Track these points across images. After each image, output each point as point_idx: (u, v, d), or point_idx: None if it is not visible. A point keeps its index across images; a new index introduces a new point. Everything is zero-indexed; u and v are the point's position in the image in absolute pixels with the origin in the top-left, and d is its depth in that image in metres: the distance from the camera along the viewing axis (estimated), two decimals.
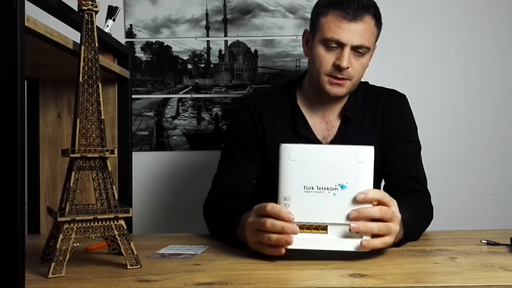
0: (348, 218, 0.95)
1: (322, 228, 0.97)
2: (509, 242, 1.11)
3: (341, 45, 1.26)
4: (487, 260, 0.98)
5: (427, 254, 1.06)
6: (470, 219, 1.96)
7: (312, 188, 0.96)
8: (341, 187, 0.95)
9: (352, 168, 0.96)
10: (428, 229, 1.29)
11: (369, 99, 1.41)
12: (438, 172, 1.94)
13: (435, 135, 1.98)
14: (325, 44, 1.28)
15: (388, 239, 0.98)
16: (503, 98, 2.00)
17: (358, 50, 1.27)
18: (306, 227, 0.98)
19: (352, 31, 1.25)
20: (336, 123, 1.39)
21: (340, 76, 1.28)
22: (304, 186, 0.96)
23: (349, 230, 0.94)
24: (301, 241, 0.97)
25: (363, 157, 0.96)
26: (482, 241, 1.14)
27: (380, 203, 0.97)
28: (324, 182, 0.96)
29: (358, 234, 0.96)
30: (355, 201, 0.95)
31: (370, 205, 0.96)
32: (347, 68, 1.27)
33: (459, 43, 1.99)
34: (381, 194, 0.98)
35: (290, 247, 0.96)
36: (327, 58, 1.28)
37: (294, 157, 0.96)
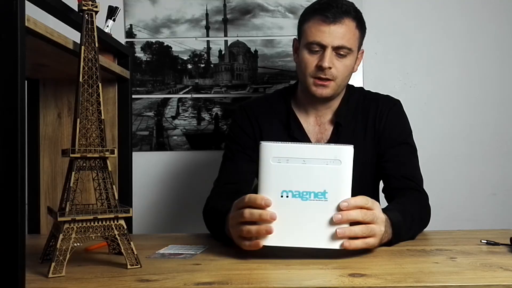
0: (331, 223, 0.97)
1: None
2: (508, 242, 1.11)
3: (323, 47, 1.32)
4: (487, 260, 0.98)
5: (427, 254, 1.06)
6: (470, 219, 1.96)
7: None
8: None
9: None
10: (428, 229, 1.29)
11: (363, 105, 1.44)
12: (438, 172, 1.94)
13: (435, 135, 1.98)
14: (309, 48, 1.34)
15: (372, 241, 1.02)
16: (503, 98, 2.00)
17: (340, 51, 1.33)
18: None
19: (332, 33, 1.31)
20: (329, 127, 1.43)
21: (323, 76, 1.33)
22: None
23: (336, 235, 0.96)
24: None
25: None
26: (482, 241, 1.14)
27: (363, 208, 1.00)
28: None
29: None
30: (337, 207, 0.97)
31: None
32: (330, 68, 1.32)
33: (459, 43, 1.99)
34: (363, 200, 1.00)
35: (272, 244, 0.97)
36: (311, 61, 1.34)
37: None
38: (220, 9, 1.99)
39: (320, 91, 1.35)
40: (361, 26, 1.37)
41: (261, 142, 0.98)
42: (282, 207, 0.97)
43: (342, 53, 1.33)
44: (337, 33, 1.31)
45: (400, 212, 1.12)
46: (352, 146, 0.97)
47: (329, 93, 1.36)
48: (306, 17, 1.37)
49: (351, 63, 1.36)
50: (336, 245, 0.98)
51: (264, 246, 0.98)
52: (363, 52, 1.44)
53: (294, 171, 0.96)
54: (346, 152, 0.96)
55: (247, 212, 0.99)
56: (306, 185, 0.96)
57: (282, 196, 0.97)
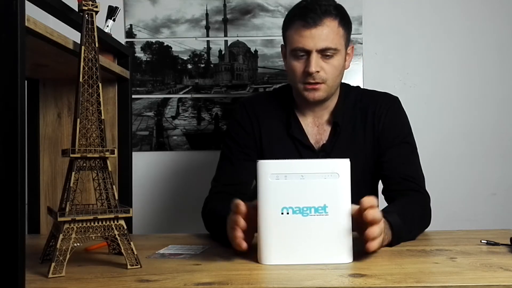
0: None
1: None
2: (509, 242, 1.11)
3: (307, 52, 1.31)
4: (487, 260, 0.98)
5: (427, 254, 1.06)
6: (470, 219, 1.96)
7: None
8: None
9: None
10: (428, 229, 1.29)
11: (360, 104, 1.43)
12: (438, 172, 1.94)
13: (435, 135, 1.98)
14: (294, 54, 1.33)
15: (381, 240, 1.01)
16: (503, 98, 2.00)
17: (325, 53, 1.31)
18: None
19: (314, 37, 1.29)
20: (327, 127, 1.42)
21: (312, 81, 1.32)
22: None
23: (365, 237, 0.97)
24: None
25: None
26: (482, 241, 1.14)
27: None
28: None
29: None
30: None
31: None
32: (317, 72, 1.31)
33: (459, 43, 1.99)
34: (373, 200, 0.99)
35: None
36: (298, 67, 1.33)
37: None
38: (220, 9, 1.99)
39: (312, 95, 1.34)
40: (345, 23, 1.34)
41: (258, 160, 0.98)
42: (284, 225, 0.96)
43: (328, 54, 1.30)
44: (319, 36, 1.28)
45: (399, 214, 1.12)
46: (348, 159, 0.97)
47: (321, 96, 1.34)
48: (287, 24, 1.35)
49: (339, 62, 1.33)
50: (342, 259, 0.97)
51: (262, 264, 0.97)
52: (353, 47, 1.42)
53: (293, 187, 0.96)
54: (343, 165, 0.96)
55: (230, 218, 1.02)
56: (306, 201, 0.96)
57: (282, 213, 0.96)
